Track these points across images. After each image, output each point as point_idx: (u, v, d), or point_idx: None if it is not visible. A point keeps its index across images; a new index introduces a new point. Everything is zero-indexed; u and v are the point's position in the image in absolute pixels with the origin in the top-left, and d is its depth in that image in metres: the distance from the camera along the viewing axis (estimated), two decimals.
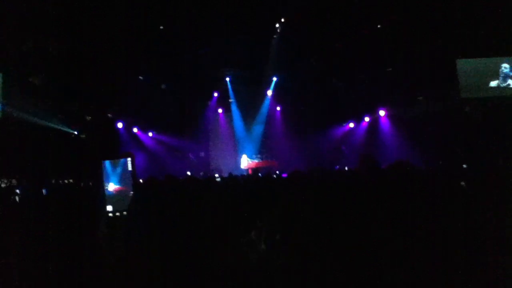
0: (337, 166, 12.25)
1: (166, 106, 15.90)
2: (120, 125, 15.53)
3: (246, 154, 15.96)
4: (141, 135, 16.22)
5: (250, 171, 14.83)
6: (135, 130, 16.02)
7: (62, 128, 13.84)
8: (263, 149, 16.18)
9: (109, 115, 15.50)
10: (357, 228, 3.82)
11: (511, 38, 11.92)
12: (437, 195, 4.39)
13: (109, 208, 6.30)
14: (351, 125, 15.87)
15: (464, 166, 6.89)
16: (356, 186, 4.78)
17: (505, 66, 12.94)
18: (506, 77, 12.96)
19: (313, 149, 14.56)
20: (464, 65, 13.18)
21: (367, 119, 15.52)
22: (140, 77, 15.04)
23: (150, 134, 16.29)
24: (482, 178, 4.97)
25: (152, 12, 12.10)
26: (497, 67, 13.06)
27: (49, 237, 3.97)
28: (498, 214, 3.88)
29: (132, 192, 5.85)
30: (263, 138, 16.45)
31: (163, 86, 15.51)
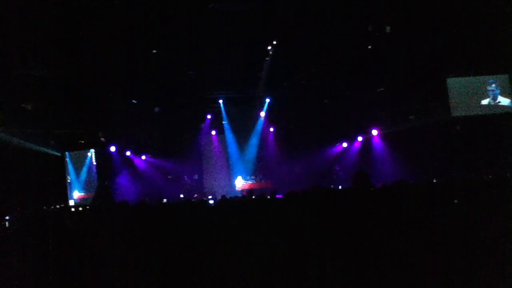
0: (332, 186, 12.24)
1: (159, 129, 15.90)
2: (113, 148, 15.48)
3: (241, 175, 15.96)
4: (134, 159, 16.16)
5: (244, 193, 14.78)
6: (128, 153, 15.96)
7: (54, 153, 13.77)
8: (257, 170, 16.16)
9: (102, 139, 15.46)
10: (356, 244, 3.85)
11: (497, 56, 12.15)
12: (431, 210, 4.43)
13: (72, 202, 6.21)
14: (344, 145, 15.92)
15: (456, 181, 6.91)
16: (352, 203, 4.82)
17: (492, 84, 13.15)
18: (495, 95, 13.15)
19: (307, 170, 14.55)
20: (454, 83, 13.37)
21: (360, 138, 15.59)
22: (133, 101, 15.04)
23: (143, 157, 16.23)
24: (474, 191, 5.01)
25: (145, 35, 12.19)
26: (485, 85, 13.27)
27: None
28: (490, 227, 3.91)
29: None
30: (257, 159, 16.43)
31: (156, 109, 15.50)
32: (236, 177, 16.09)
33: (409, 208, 4.41)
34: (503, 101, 13.14)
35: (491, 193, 4.74)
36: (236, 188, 15.58)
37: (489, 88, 13.32)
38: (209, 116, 16.45)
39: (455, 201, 4.76)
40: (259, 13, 11.91)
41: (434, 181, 8.44)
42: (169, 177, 16.15)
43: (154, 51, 13.22)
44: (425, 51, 12.24)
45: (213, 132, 16.75)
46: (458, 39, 11.67)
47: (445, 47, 12.06)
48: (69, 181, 14.57)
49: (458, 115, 13.26)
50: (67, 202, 13.13)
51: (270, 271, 4.00)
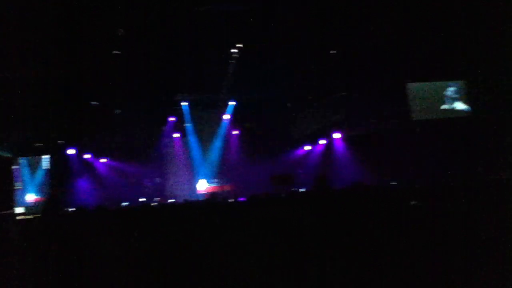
0: (293, 188, 12.29)
1: (120, 132, 15.56)
2: (71, 151, 15.03)
3: (204, 178, 15.81)
4: (94, 162, 15.74)
5: (207, 196, 14.62)
6: (87, 156, 15.53)
7: (8, 156, 13.24)
8: (221, 174, 16.05)
9: (59, 141, 14.98)
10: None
11: (455, 63, 12.55)
12: (389, 212, 4.47)
13: (20, 209, 6.06)
14: (307, 148, 16.01)
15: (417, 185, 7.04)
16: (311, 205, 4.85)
17: (450, 90, 13.56)
18: (453, 99, 13.55)
19: (270, 173, 14.53)
20: (414, 88, 13.71)
21: (322, 141, 15.73)
22: (93, 102, 14.64)
23: (104, 160, 15.83)
24: (435, 194, 5.09)
25: (106, 35, 11.90)
26: (443, 90, 13.68)
27: None
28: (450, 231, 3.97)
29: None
30: (221, 162, 16.31)
31: (117, 112, 15.15)
32: (198, 180, 15.91)
33: (404, 209, 4.54)
34: (460, 106, 13.55)
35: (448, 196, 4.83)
36: (199, 191, 15.40)
37: (447, 93, 13.71)
38: (172, 119, 16.22)
39: (412, 202, 4.84)
40: (224, 15, 11.85)
41: (394, 183, 8.58)
42: (130, 180, 15.81)
43: (116, 51, 12.94)
44: (387, 56, 12.48)
45: (176, 135, 16.51)
46: (418, 45, 11.97)
47: (406, 53, 12.33)
48: (19, 187, 13.95)
49: (418, 118, 13.60)
50: (12, 210, 12.46)
51: (267, 271, 4.01)
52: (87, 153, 15.59)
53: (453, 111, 13.61)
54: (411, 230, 4.07)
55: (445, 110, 13.63)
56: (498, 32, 10.72)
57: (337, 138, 15.32)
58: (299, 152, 16.04)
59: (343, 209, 4.63)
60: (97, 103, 14.63)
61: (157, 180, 16.02)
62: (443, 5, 10.65)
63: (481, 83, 12.95)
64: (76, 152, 15.27)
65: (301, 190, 11.02)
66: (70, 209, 8.77)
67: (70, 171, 14.93)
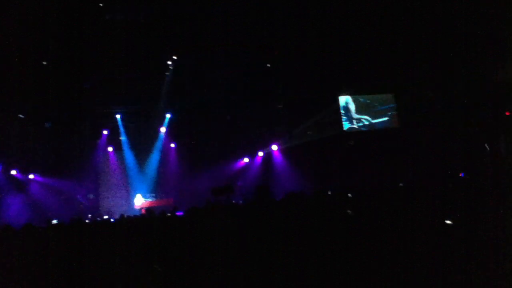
0: (233, 201, 12.29)
1: (50, 146, 14.83)
2: None
3: (140, 193, 15.40)
4: (22, 178, 14.88)
5: (143, 211, 14.25)
6: (13, 172, 14.66)
7: None
8: (158, 188, 15.71)
9: None
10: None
11: (384, 77, 13.25)
12: (325, 220, 4.62)
13: None
14: (246, 160, 16.12)
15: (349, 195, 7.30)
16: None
17: (379, 102, 14.30)
18: (381, 112, 14.30)
19: (209, 186, 14.44)
20: (346, 100, 14.30)
21: (261, 154, 15.91)
22: (20, 115, 13.90)
23: (32, 176, 14.99)
24: (367, 203, 5.31)
25: (35, 45, 11.43)
26: (373, 103, 14.40)
27: None
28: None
29: None
30: (158, 176, 15.97)
31: (47, 125, 14.45)
32: (135, 195, 15.47)
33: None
34: (386, 118, 14.32)
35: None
36: (135, 207, 14.98)
37: (376, 106, 14.42)
38: (105, 132, 15.67)
39: (348, 211, 5.02)
40: (159, 26, 11.77)
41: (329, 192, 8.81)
42: (62, 197, 15.07)
43: (44, 62, 12.41)
44: (320, 70, 12.93)
45: (110, 149, 15.96)
46: (350, 61, 12.54)
47: (338, 68, 12.85)
48: None
49: (350, 130, 14.20)
50: None
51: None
52: (14, 169, 14.70)
53: (381, 122, 14.32)
54: (349, 237, 4.21)
55: (373, 122, 14.32)
56: (425, 50, 11.53)
57: (275, 150, 15.57)
58: (238, 164, 16.10)
59: (284, 219, 4.71)
60: (24, 115, 13.94)
61: (91, 196, 15.36)
62: (375, 23, 11.27)
63: (408, 96, 13.78)
64: (1, 168, 14.38)
65: (240, 202, 11.06)
66: None
67: None
